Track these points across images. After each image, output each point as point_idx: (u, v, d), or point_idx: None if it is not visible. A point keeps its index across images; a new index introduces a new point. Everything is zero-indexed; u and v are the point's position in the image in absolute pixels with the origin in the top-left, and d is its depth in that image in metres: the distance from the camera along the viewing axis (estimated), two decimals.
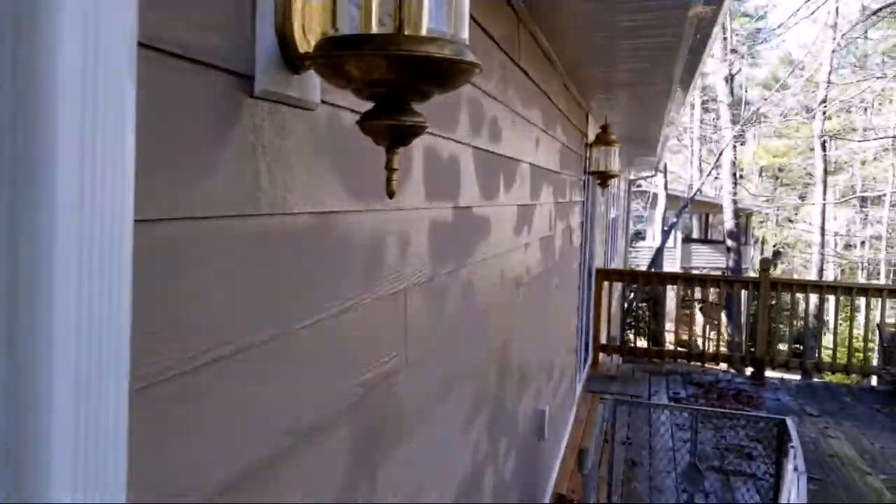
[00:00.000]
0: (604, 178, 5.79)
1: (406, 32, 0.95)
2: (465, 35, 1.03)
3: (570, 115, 4.98)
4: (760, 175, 36.92)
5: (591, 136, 5.98)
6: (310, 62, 1.02)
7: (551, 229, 4.20)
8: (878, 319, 7.51)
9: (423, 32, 0.99)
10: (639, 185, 23.48)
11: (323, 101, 1.20)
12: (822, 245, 23.27)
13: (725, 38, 20.93)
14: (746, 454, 5.43)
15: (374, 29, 0.97)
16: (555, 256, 4.47)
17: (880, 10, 13.85)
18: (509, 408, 3.21)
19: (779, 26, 20.40)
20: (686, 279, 7.95)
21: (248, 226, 1.02)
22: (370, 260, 1.47)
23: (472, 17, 2.17)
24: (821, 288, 7.33)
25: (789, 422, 3.70)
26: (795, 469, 3.12)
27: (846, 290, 7.27)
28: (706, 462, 5.33)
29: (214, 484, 0.96)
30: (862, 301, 7.20)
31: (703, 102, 28.76)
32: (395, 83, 0.98)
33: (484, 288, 2.59)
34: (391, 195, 1.05)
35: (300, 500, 1.20)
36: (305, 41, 1.06)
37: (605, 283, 8.04)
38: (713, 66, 21.09)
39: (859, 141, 23.43)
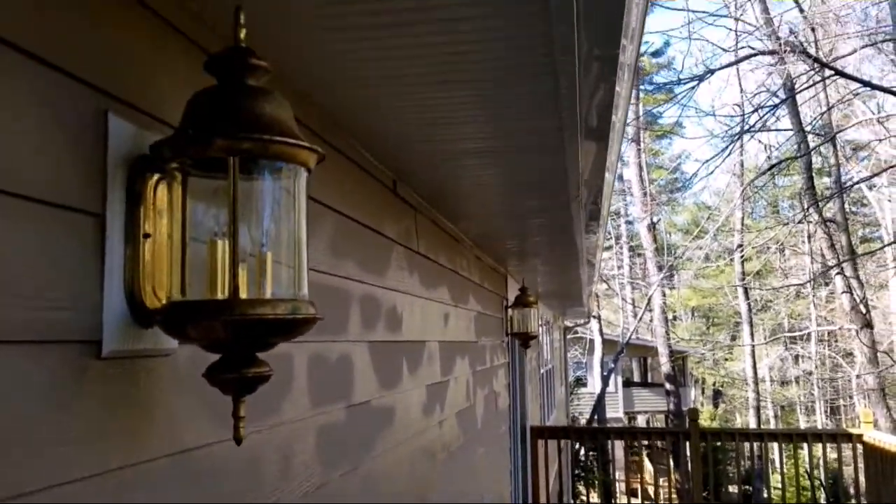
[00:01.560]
0: (525, 339, 5.92)
1: (242, 296, 1.04)
2: (305, 291, 1.12)
3: (486, 282, 5.15)
4: (693, 316, 37.98)
5: (512, 297, 6.13)
6: (157, 322, 1.10)
7: (469, 400, 4.24)
8: (819, 460, 7.59)
9: (267, 295, 1.09)
10: (575, 332, 23.82)
11: (182, 343, 1.26)
12: (756, 385, 23.72)
13: (645, 193, 22.11)
14: None
15: (219, 293, 1.06)
16: (477, 426, 4.48)
17: (774, 165, 15.08)
18: None
19: (693, 176, 21.83)
20: (618, 433, 7.98)
21: (100, 484, 1.05)
22: (244, 484, 1.49)
23: (360, 223, 2.31)
24: (748, 436, 7.45)
25: None
26: None
27: (772, 437, 7.40)
28: None
29: None
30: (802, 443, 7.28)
31: (631, 248, 29.94)
32: (234, 342, 1.06)
33: (391, 477, 2.58)
34: (238, 441, 1.10)
35: None
36: (156, 298, 1.14)
37: (541, 442, 7.98)
38: (637, 214, 22.18)
39: (777, 288, 24.59)
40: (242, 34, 1.12)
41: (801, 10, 14.14)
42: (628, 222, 30.31)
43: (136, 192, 1.13)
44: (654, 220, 25.62)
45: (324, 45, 1.57)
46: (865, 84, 13.23)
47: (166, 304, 1.08)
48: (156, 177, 1.15)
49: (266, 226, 1.14)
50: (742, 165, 20.77)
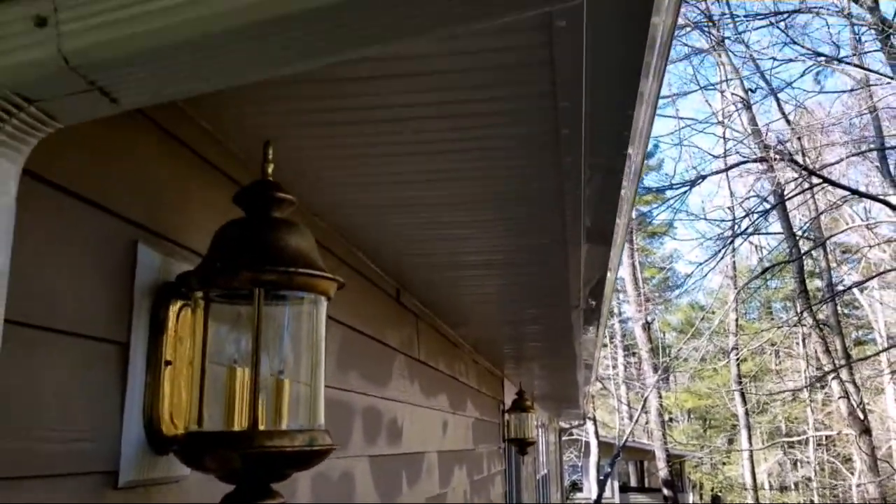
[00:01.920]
0: (522, 445, 5.80)
1: (261, 428, 1.05)
2: (321, 420, 1.13)
3: (483, 387, 5.11)
4: (689, 418, 37.40)
5: (508, 401, 6.04)
6: (173, 451, 1.10)
7: None
8: None
9: (284, 425, 1.10)
10: (570, 434, 23.39)
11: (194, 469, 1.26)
12: (756, 491, 23.14)
13: (639, 294, 22.19)
14: None
15: (237, 423, 1.07)
16: None
17: (766, 270, 15.34)
18: None
19: (687, 278, 21.99)
20: None
21: None
22: None
23: (365, 334, 2.33)
24: None
25: None
26: None
27: None
28: None
29: None
30: None
31: (626, 347, 29.75)
32: (251, 474, 1.06)
33: None
34: None
35: None
36: (173, 425, 1.14)
37: None
38: (632, 314, 22.21)
39: (775, 393, 24.45)
40: (270, 169, 1.17)
41: (788, 122, 14.61)
42: (622, 321, 30.24)
43: (159, 320, 1.15)
44: (649, 319, 25.61)
45: (336, 170, 1.63)
46: (853, 192, 13.54)
47: (184, 435, 1.08)
48: (179, 303, 1.18)
49: (286, 354, 1.16)
50: (734, 267, 20.99)
